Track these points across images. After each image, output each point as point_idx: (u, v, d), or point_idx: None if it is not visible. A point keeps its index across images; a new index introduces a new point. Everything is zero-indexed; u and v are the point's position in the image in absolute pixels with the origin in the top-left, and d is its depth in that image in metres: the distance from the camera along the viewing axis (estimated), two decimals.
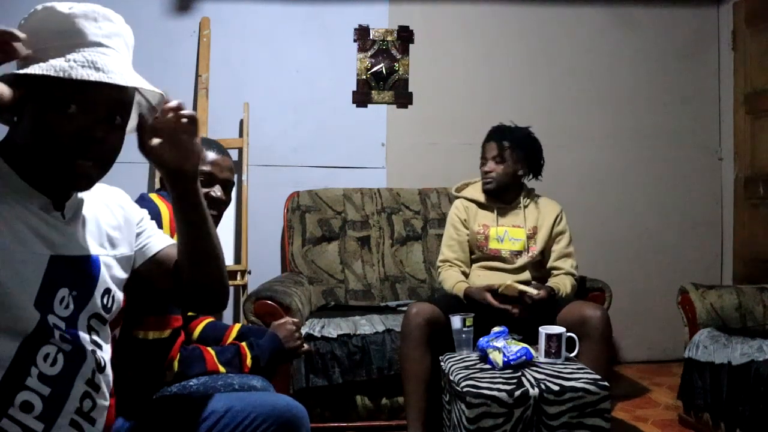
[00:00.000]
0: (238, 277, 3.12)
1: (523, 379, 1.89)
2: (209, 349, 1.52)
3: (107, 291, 1.06)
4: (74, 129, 0.94)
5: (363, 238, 3.15)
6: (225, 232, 3.13)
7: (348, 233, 3.15)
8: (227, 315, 3.32)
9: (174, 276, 1.14)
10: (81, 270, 1.02)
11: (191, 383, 1.43)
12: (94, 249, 1.05)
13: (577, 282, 2.53)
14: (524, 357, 1.98)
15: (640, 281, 3.52)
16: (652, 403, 2.88)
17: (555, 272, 2.52)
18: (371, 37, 3.45)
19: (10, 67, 0.91)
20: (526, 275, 2.52)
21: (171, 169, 1.03)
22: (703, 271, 3.48)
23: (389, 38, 3.45)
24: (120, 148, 1.02)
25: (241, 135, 3.29)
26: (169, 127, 1.01)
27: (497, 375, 1.92)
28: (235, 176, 1.79)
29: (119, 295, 1.10)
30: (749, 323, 2.50)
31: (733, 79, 3.53)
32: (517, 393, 1.81)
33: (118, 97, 0.98)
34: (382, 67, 3.44)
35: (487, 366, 2.01)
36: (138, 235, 1.16)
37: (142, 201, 1.42)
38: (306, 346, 1.73)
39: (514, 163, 2.55)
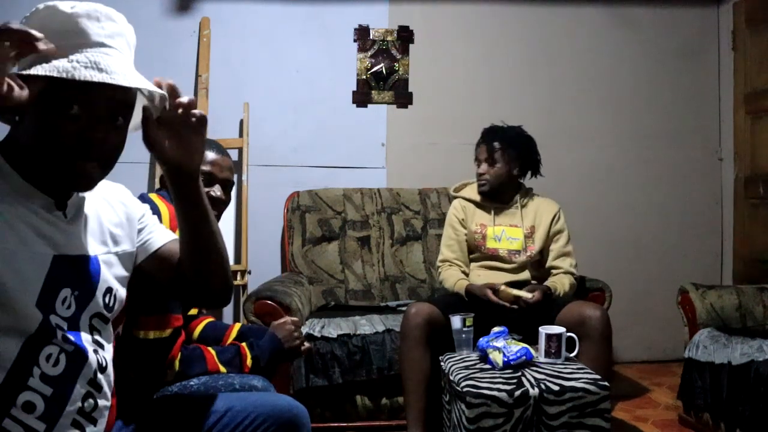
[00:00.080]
0: (238, 277, 3.12)
1: (523, 379, 1.89)
2: (210, 348, 1.53)
3: (109, 290, 1.06)
4: (76, 130, 0.94)
5: (363, 238, 3.15)
6: (225, 232, 3.10)
7: (348, 233, 3.15)
8: (227, 315, 3.33)
9: (177, 271, 1.14)
10: (83, 269, 1.02)
11: (192, 383, 1.43)
12: (95, 248, 1.05)
13: (576, 281, 2.53)
14: (524, 357, 1.98)
15: (640, 281, 3.52)
16: (652, 403, 2.88)
17: (554, 271, 2.52)
18: (371, 37, 3.45)
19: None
20: (526, 275, 2.52)
21: (172, 165, 1.03)
22: (703, 271, 3.48)
23: (389, 38, 3.45)
24: (122, 148, 1.02)
25: (241, 135, 3.30)
26: (177, 123, 1.01)
27: (497, 375, 1.92)
28: (235, 176, 1.80)
29: (121, 294, 1.10)
30: (749, 323, 2.50)
31: (733, 79, 3.53)
32: (517, 393, 1.81)
33: (121, 97, 0.98)
34: (382, 67, 3.44)
35: (487, 366, 2.01)
36: (140, 231, 1.15)
37: (142, 201, 1.42)
38: (306, 344, 1.73)
39: (507, 163, 2.54)
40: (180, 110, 1.00)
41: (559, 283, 2.44)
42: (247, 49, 3.37)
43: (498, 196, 2.60)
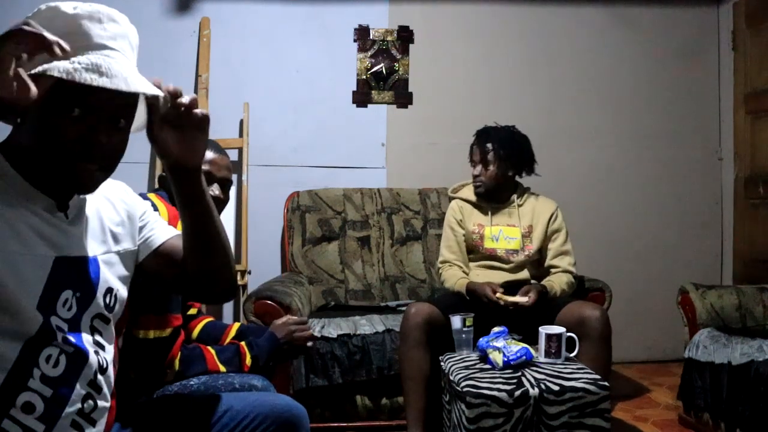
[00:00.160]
0: (238, 277, 3.12)
1: (523, 379, 1.89)
2: (209, 348, 1.53)
3: (109, 290, 1.06)
4: (78, 132, 0.94)
5: (363, 238, 3.15)
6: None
7: (348, 233, 3.15)
8: (227, 315, 3.33)
9: (181, 267, 1.13)
10: (84, 271, 1.02)
11: (192, 382, 1.43)
12: (96, 248, 1.05)
13: (575, 279, 2.53)
14: (524, 357, 1.98)
15: (640, 281, 3.52)
16: (652, 403, 2.88)
17: (552, 270, 2.52)
18: (371, 37, 3.45)
19: None
20: (525, 274, 2.52)
21: (174, 161, 1.03)
22: (703, 271, 3.48)
23: (389, 38, 3.45)
24: (123, 150, 1.02)
25: (241, 135, 3.30)
26: (180, 120, 1.01)
27: (497, 375, 1.92)
28: (234, 175, 1.80)
29: (122, 294, 1.10)
30: (749, 323, 2.50)
31: (733, 79, 3.53)
32: (517, 393, 1.81)
33: (122, 100, 0.97)
34: (382, 67, 3.44)
35: (487, 366, 2.01)
36: (141, 228, 1.15)
37: None
38: (310, 343, 1.73)
39: (501, 163, 2.54)
40: (182, 109, 1.00)
41: (556, 282, 2.44)
42: (247, 49, 3.37)
43: (494, 197, 2.59)
